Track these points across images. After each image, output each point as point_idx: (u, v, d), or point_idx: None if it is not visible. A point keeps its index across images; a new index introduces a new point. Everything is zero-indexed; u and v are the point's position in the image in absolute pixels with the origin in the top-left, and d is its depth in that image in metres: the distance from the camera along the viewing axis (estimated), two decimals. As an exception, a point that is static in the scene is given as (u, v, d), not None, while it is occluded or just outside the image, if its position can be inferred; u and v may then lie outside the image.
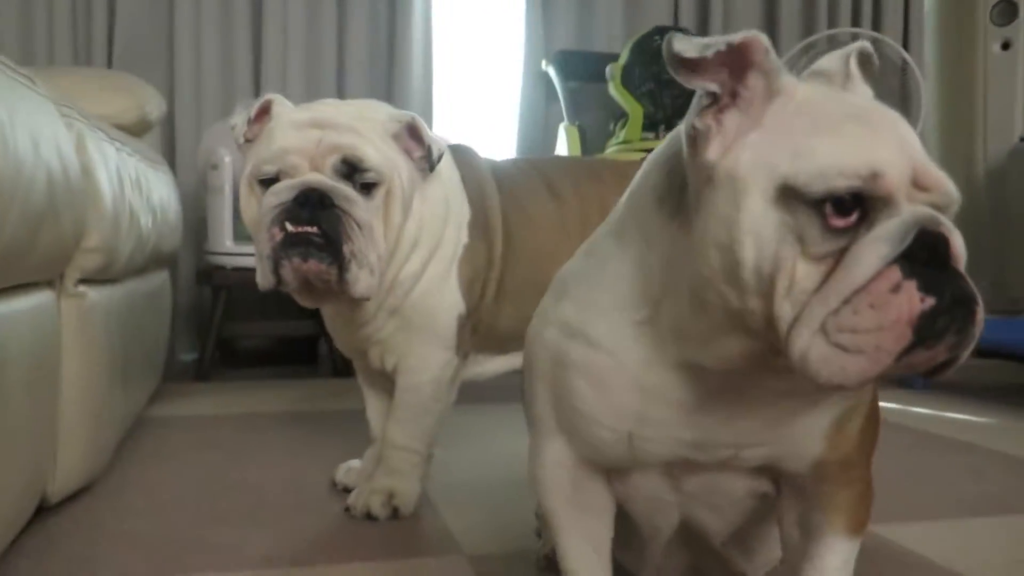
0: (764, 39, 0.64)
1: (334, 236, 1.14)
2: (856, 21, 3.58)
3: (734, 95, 0.65)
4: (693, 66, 0.63)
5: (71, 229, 1.18)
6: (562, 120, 3.11)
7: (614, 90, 3.00)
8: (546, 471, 0.81)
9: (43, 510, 1.25)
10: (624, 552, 0.97)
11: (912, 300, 0.58)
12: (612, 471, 0.81)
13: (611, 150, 3.03)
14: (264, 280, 1.16)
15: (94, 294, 1.33)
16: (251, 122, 1.23)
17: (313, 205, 1.14)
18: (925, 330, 0.58)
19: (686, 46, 0.63)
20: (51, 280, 1.23)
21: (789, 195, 0.60)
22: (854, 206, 0.60)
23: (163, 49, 3.02)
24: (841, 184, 0.59)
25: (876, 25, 3.59)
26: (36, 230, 1.01)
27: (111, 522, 1.23)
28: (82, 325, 1.28)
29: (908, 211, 0.60)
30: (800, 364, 0.60)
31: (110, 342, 1.40)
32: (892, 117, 0.65)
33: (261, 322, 2.78)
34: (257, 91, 3.07)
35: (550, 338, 0.77)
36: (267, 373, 2.73)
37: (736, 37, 0.63)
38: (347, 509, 1.28)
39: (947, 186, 0.63)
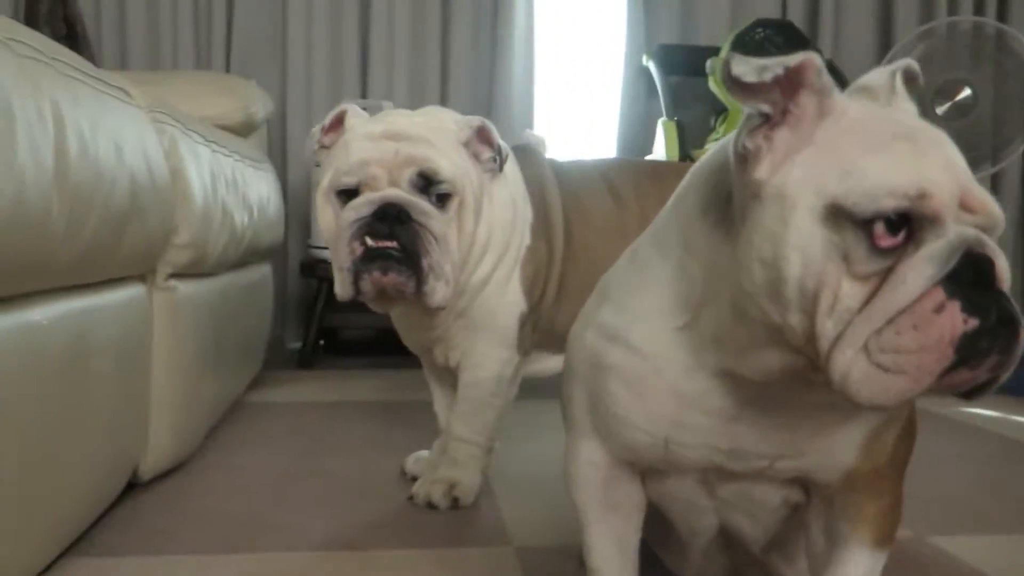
0: (818, 59, 0.65)
1: (412, 250, 1.18)
2: (980, 8, 3.40)
3: (784, 113, 0.66)
4: (751, 89, 0.65)
5: (159, 228, 1.27)
6: (662, 116, 3.09)
7: (714, 84, 2.97)
8: (579, 469, 0.84)
9: (135, 487, 1.36)
10: (666, 553, 0.98)
11: (955, 321, 0.58)
12: (648, 474, 0.83)
13: (710, 145, 3.00)
14: (343, 291, 1.21)
15: (185, 287, 1.43)
16: (326, 130, 1.28)
17: (392, 220, 1.17)
18: (967, 350, 0.58)
19: (745, 70, 0.63)
20: (143, 275, 1.33)
21: (837, 214, 0.61)
22: (901, 226, 0.60)
23: (277, 51, 3.16)
24: (889, 204, 0.60)
25: (1001, 14, 3.40)
26: (120, 229, 1.10)
27: (193, 500, 1.33)
28: (172, 317, 1.38)
29: (954, 232, 0.61)
30: (840, 383, 0.61)
31: (201, 332, 1.50)
32: (939, 137, 0.65)
33: (362, 313, 2.86)
34: (364, 90, 3.18)
35: (590, 341, 0.79)
36: (368, 363, 2.82)
37: (793, 60, 0.64)
38: (411, 498, 1.33)
39: (993, 208, 0.63)
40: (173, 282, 1.39)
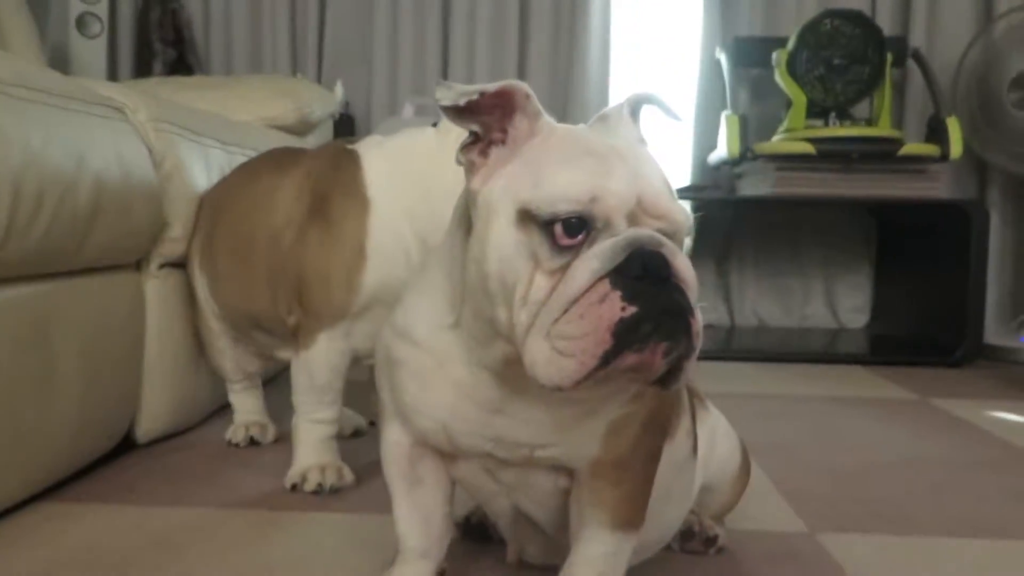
0: (524, 87, 0.77)
1: None
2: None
3: (504, 132, 0.77)
4: (455, 112, 0.76)
5: (143, 224, 1.46)
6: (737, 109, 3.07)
7: (779, 77, 2.95)
8: (387, 448, 0.95)
9: (135, 447, 1.57)
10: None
11: (613, 309, 0.67)
12: (444, 457, 0.93)
13: (776, 138, 2.98)
14: None
15: (179, 275, 1.63)
16: None
17: None
18: (625, 335, 0.67)
19: (444, 95, 0.75)
20: (137, 263, 1.53)
21: (526, 218, 0.72)
22: (580, 227, 0.70)
23: (364, 52, 3.38)
24: (563, 208, 0.70)
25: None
26: (86, 227, 1.29)
27: (173, 461, 1.52)
28: (166, 301, 1.58)
29: (627, 233, 0.69)
30: (530, 366, 0.71)
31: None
32: (635, 154, 0.74)
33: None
34: (444, 87, 3.34)
35: (386, 338, 0.91)
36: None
37: (491, 86, 0.75)
38: None
39: (674, 215, 0.72)
40: (167, 270, 1.59)
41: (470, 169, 0.78)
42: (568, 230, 0.70)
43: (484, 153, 0.78)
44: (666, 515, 1.02)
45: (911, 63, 3.12)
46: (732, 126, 2.92)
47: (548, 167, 0.72)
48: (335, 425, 1.43)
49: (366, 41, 3.37)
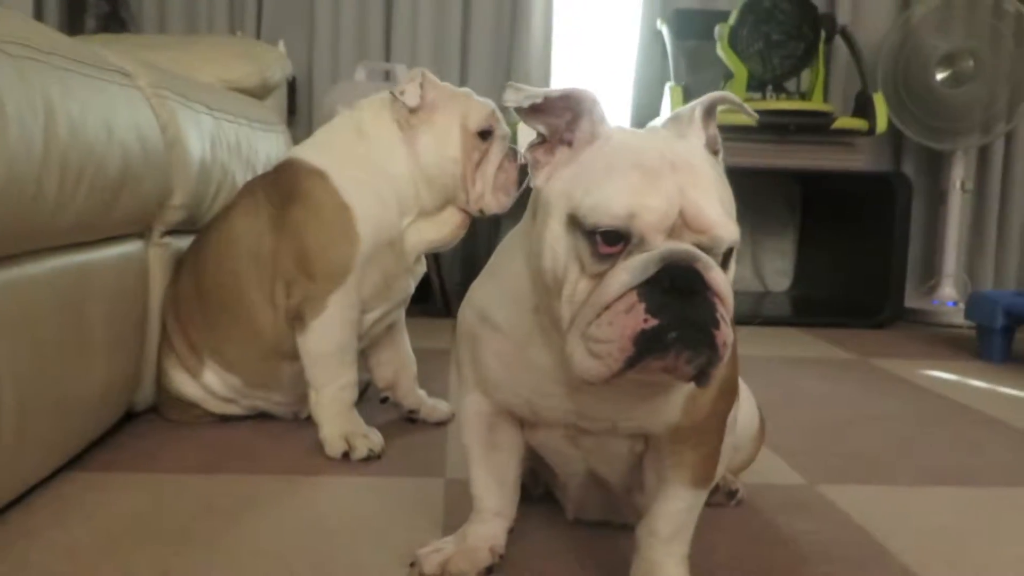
0: (591, 93, 0.81)
1: None
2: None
3: (572, 133, 0.82)
4: (531, 113, 0.81)
5: (154, 193, 1.45)
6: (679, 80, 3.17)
7: (721, 50, 3.06)
8: (467, 416, 1.01)
9: (134, 416, 1.57)
10: (556, 492, 1.15)
11: (636, 320, 0.72)
12: (524, 425, 0.99)
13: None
14: None
15: (179, 243, 1.62)
16: None
17: None
18: (647, 344, 0.72)
19: (510, 96, 0.80)
20: (142, 232, 1.52)
21: (574, 223, 0.77)
22: (619, 239, 0.75)
23: (304, 13, 3.32)
24: (605, 221, 0.74)
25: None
26: (113, 198, 1.28)
27: (183, 429, 1.53)
28: (164, 269, 1.57)
29: (662, 247, 0.74)
30: (569, 360, 0.77)
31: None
32: (688, 165, 0.77)
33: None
34: (388, 52, 3.32)
35: (468, 317, 0.96)
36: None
37: (555, 91, 0.80)
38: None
39: (715, 230, 0.75)
40: (168, 239, 1.58)
41: (534, 166, 0.83)
42: (608, 240, 0.75)
43: (551, 152, 0.83)
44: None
45: (838, 40, 3.28)
46: (676, 97, 3.02)
47: (598, 177, 0.77)
48: (356, 389, 1.48)
49: (307, 1, 3.31)
